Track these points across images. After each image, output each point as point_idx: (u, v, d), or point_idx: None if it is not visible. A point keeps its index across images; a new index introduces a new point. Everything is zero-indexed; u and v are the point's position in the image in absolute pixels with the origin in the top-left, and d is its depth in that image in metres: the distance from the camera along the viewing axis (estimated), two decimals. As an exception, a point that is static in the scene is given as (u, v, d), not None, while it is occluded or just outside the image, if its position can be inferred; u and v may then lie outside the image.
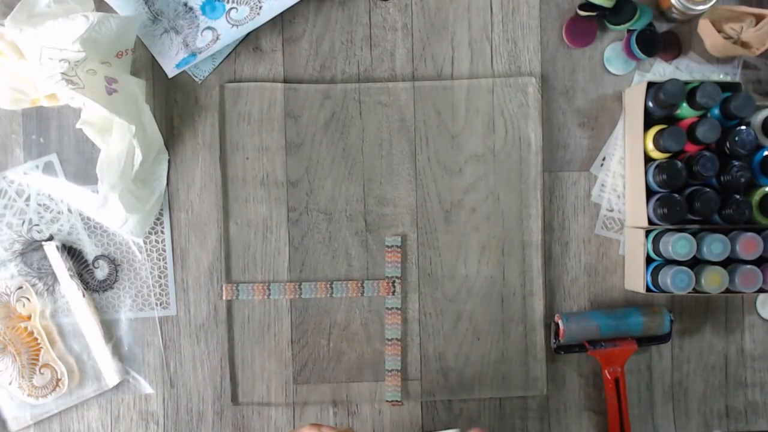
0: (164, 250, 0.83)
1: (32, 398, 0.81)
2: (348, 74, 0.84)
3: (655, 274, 0.78)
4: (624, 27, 0.83)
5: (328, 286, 0.83)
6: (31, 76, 0.77)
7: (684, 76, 0.85)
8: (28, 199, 0.83)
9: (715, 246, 0.75)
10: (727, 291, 0.76)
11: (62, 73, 0.71)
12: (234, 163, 0.84)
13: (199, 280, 0.83)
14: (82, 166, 0.83)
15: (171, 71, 0.81)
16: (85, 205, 0.82)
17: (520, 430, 0.84)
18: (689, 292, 0.76)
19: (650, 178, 0.78)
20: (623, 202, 0.84)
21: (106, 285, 0.83)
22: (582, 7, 0.82)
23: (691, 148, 0.77)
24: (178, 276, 0.83)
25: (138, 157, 0.76)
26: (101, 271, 0.83)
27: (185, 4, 0.81)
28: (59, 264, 0.82)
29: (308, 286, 0.83)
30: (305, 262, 0.84)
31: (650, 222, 0.78)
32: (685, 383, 0.85)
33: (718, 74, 0.85)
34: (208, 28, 0.80)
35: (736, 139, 0.75)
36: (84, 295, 0.82)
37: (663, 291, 0.77)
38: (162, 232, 0.83)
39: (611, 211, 0.85)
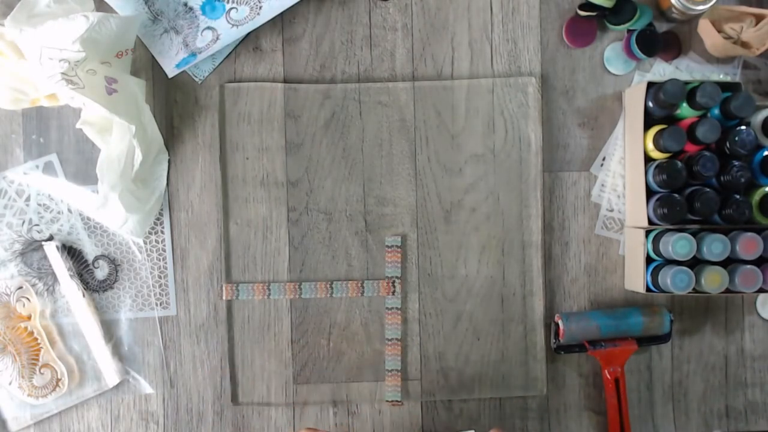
0: (164, 250, 0.83)
1: (32, 398, 0.81)
2: (348, 74, 0.84)
3: (655, 274, 0.78)
4: (624, 27, 0.83)
5: (328, 286, 0.83)
6: (31, 76, 0.77)
7: (684, 76, 0.85)
8: (28, 199, 0.83)
9: (715, 246, 0.75)
10: (727, 291, 0.76)
11: (62, 73, 0.71)
12: (234, 163, 0.84)
13: (199, 280, 0.83)
14: (82, 166, 0.83)
15: (171, 71, 0.81)
16: (85, 205, 0.82)
17: (520, 430, 0.84)
18: (689, 292, 0.76)
19: (650, 178, 0.78)
20: (623, 202, 0.84)
21: (106, 285, 0.83)
22: (582, 7, 0.82)
23: (691, 148, 0.77)
24: (178, 276, 0.83)
25: (138, 157, 0.76)
26: (101, 271, 0.83)
27: (185, 4, 0.81)
28: (59, 264, 0.82)
29: (308, 286, 0.83)
30: (305, 262, 0.84)
31: (650, 222, 0.78)
32: (685, 383, 0.85)
33: (718, 74, 0.85)
34: (208, 28, 0.80)
35: (736, 139, 0.75)
36: (84, 295, 0.82)
37: (663, 291, 0.77)
38: (162, 232, 0.83)
39: (611, 211, 0.85)
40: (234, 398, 0.84)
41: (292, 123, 0.83)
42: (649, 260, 0.79)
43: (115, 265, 0.83)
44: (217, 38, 0.80)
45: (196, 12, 0.81)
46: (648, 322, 0.81)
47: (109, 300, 0.83)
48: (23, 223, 0.82)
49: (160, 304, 0.83)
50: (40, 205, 0.83)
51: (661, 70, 0.85)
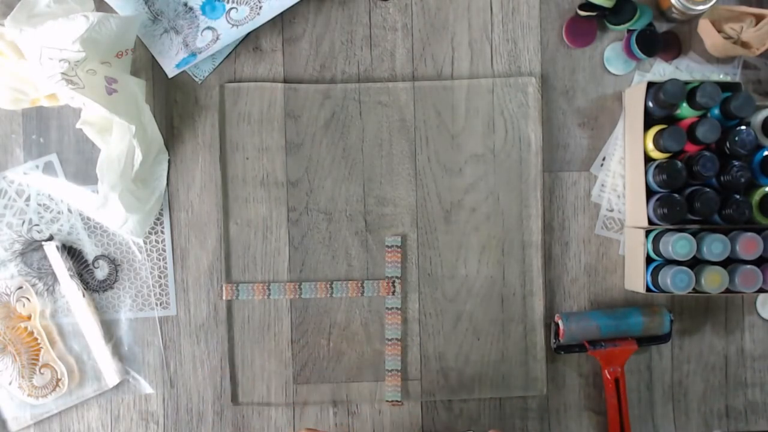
0: (164, 250, 0.83)
1: (32, 398, 0.81)
2: (348, 74, 0.84)
3: (655, 274, 0.78)
4: (624, 27, 0.83)
5: (328, 286, 0.83)
6: (31, 76, 0.77)
7: (684, 76, 0.85)
8: (28, 199, 0.83)
9: (715, 246, 0.75)
10: (727, 291, 0.76)
11: (62, 73, 0.71)
12: (234, 163, 0.84)
13: (199, 280, 0.83)
14: (82, 166, 0.83)
15: (171, 71, 0.81)
16: (85, 205, 0.82)
17: (520, 430, 0.84)
18: (689, 292, 0.76)
19: (650, 178, 0.78)
20: (623, 202, 0.84)
21: (106, 285, 0.83)
22: (582, 7, 0.82)
23: (691, 148, 0.77)
24: (178, 276, 0.83)
25: (138, 157, 0.76)
26: (101, 271, 0.83)
27: (185, 4, 0.81)
28: (59, 264, 0.82)
29: (308, 286, 0.83)
30: (305, 262, 0.84)
31: (650, 222, 0.78)
32: (685, 383, 0.85)
33: (718, 74, 0.85)
34: (208, 28, 0.80)
35: (736, 139, 0.75)
36: (84, 295, 0.82)
37: (663, 291, 0.77)
38: (162, 232, 0.83)
39: (611, 211, 0.85)
40: (234, 398, 0.84)
41: (292, 123, 0.83)
42: (649, 260, 0.79)
43: (115, 265, 0.83)
44: (217, 38, 0.80)
45: (196, 12, 0.81)
46: (648, 322, 0.81)
47: (109, 300, 0.83)
48: (23, 223, 0.82)
49: (160, 304, 0.83)
50: (40, 205, 0.83)
51: (661, 70, 0.85)
